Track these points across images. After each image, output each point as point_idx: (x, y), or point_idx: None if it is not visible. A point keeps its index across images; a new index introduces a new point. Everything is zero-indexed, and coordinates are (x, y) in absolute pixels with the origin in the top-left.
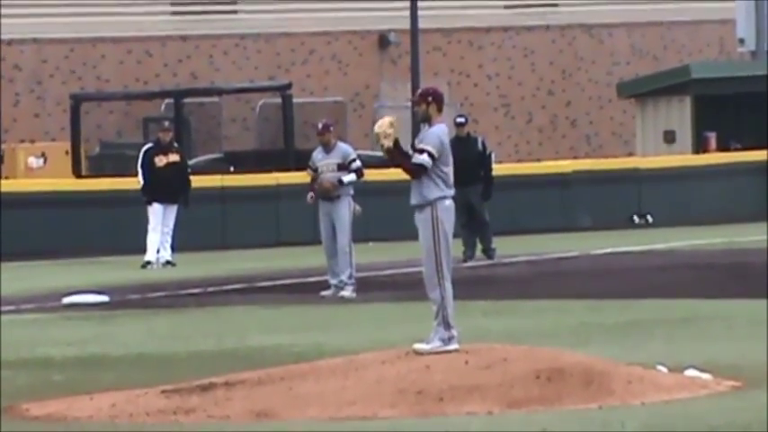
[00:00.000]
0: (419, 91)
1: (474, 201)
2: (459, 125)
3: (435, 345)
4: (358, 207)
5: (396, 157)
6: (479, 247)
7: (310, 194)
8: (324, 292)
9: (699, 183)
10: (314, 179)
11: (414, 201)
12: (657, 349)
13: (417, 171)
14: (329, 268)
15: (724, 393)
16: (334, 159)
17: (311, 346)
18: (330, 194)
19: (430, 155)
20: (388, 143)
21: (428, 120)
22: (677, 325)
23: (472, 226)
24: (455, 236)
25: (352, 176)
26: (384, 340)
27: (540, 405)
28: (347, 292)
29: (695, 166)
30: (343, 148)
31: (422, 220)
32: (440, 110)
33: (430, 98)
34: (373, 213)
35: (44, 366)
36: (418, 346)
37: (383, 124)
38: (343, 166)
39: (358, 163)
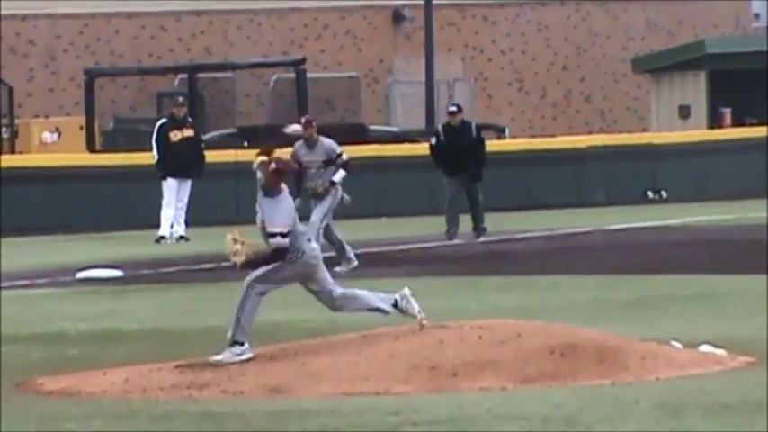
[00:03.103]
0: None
1: (466, 183)
2: (451, 114)
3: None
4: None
5: (256, 264)
6: (471, 225)
7: (297, 200)
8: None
9: (713, 158)
10: (299, 175)
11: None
12: (671, 325)
13: (282, 255)
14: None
15: (738, 369)
16: (318, 156)
17: (324, 321)
18: (323, 198)
19: (282, 235)
20: (241, 259)
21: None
22: (691, 300)
23: (457, 205)
24: (439, 213)
25: (341, 173)
26: (397, 316)
27: (554, 381)
28: (340, 267)
29: (710, 141)
30: (326, 144)
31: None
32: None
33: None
34: (386, 188)
35: (58, 341)
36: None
37: (228, 243)
38: (330, 162)
39: (345, 156)
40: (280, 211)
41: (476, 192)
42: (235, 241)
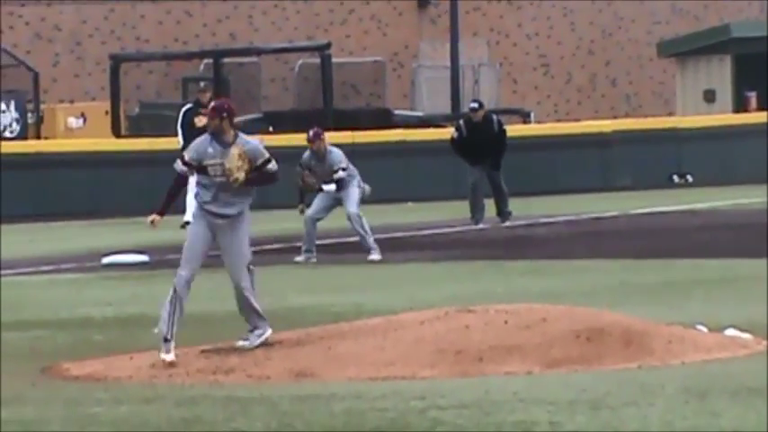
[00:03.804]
0: (213, 105)
1: (488, 172)
2: (473, 110)
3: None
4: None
5: (252, 181)
6: (495, 210)
7: (301, 207)
8: (298, 258)
9: (739, 142)
10: (305, 181)
11: (233, 210)
12: (697, 309)
13: (275, 177)
14: (307, 236)
15: (764, 353)
16: (326, 168)
17: (350, 306)
18: (314, 189)
19: (276, 160)
20: (242, 176)
21: (222, 132)
22: (717, 285)
23: (480, 190)
24: (465, 198)
25: (331, 187)
26: (423, 300)
27: (580, 365)
28: (374, 256)
29: (735, 125)
30: (334, 154)
31: (234, 227)
32: (231, 124)
33: (224, 114)
34: (412, 173)
35: (84, 326)
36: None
37: (232, 158)
38: (329, 173)
39: (341, 174)
40: (258, 142)
41: (498, 177)
42: (240, 157)
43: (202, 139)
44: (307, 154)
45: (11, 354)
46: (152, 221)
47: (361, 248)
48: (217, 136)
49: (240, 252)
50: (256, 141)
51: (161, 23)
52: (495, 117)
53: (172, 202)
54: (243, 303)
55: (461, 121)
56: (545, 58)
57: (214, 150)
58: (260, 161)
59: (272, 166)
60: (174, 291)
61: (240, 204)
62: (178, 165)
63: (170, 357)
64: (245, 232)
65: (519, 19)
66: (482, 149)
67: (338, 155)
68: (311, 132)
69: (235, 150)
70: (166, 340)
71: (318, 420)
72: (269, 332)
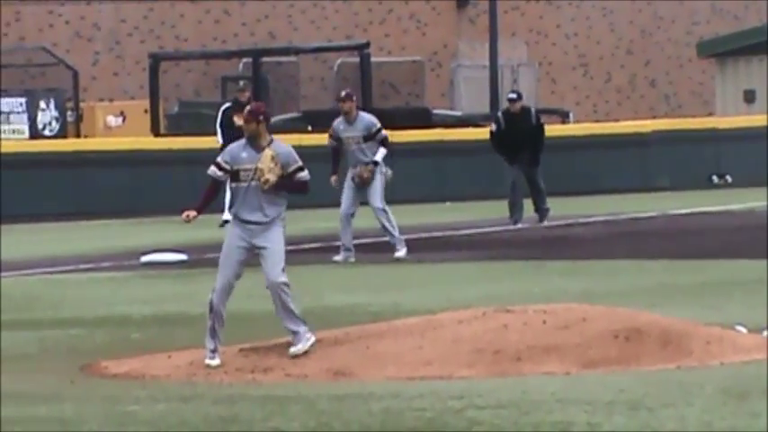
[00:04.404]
0: (248, 108)
1: (526, 168)
2: (511, 101)
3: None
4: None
5: (282, 186)
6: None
7: (334, 177)
8: (336, 257)
9: None
10: (336, 151)
11: (270, 215)
12: (736, 310)
13: (306, 187)
14: (343, 234)
15: None
16: (357, 132)
17: (388, 305)
18: (369, 184)
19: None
20: (273, 178)
21: (257, 136)
22: (756, 285)
23: (518, 189)
24: (503, 198)
25: (382, 152)
26: (461, 300)
27: (618, 365)
28: (400, 253)
29: None
30: (366, 118)
31: (270, 230)
32: (267, 128)
33: (261, 117)
34: (450, 172)
35: (122, 324)
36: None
37: (265, 158)
38: (369, 137)
39: (383, 133)
40: (291, 149)
41: (536, 176)
42: (272, 159)
43: (237, 144)
44: (337, 121)
45: (49, 352)
46: (187, 216)
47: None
48: (252, 140)
49: (274, 256)
50: (290, 148)
51: (200, 22)
52: (533, 110)
53: (208, 204)
54: (280, 307)
55: (500, 113)
56: (584, 58)
57: (248, 155)
58: (292, 167)
59: (305, 175)
60: (210, 308)
61: (272, 209)
62: (213, 170)
63: (215, 362)
64: (279, 236)
65: (558, 19)
66: (519, 143)
67: (370, 117)
68: (343, 93)
69: (268, 152)
70: (213, 351)
71: (356, 420)
72: (311, 338)
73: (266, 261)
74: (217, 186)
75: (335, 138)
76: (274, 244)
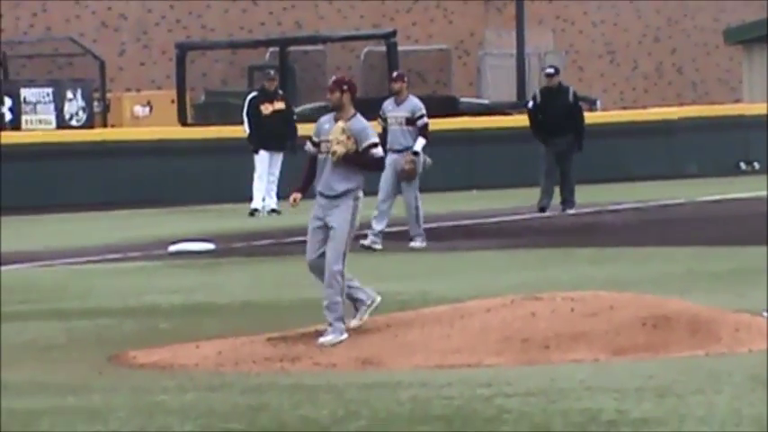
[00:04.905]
0: (333, 78)
1: (563, 152)
2: (549, 75)
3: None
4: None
5: (352, 160)
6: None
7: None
8: (367, 242)
9: None
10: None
11: (337, 189)
12: (764, 297)
13: (380, 164)
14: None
15: None
16: (402, 113)
17: (416, 293)
18: (414, 176)
19: (378, 144)
20: (342, 150)
21: (341, 107)
22: None
23: (554, 176)
24: (535, 184)
25: (421, 142)
26: (489, 288)
27: (647, 352)
28: (417, 243)
29: None
30: (414, 101)
31: (339, 207)
32: (353, 100)
33: (345, 86)
34: (477, 161)
35: (150, 314)
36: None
37: (335, 130)
38: (411, 121)
39: (425, 120)
40: (369, 126)
41: (569, 165)
42: (343, 131)
43: (327, 116)
44: (386, 102)
45: (78, 342)
46: (294, 199)
47: (429, 237)
48: (336, 111)
49: (336, 239)
50: (367, 123)
51: (227, 12)
52: (571, 88)
53: (310, 183)
54: (330, 289)
55: (537, 89)
56: (611, 46)
57: (330, 127)
58: (365, 144)
59: (378, 151)
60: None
61: (340, 184)
62: (308, 146)
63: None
64: (347, 216)
65: (585, 7)
66: (555, 121)
67: (418, 102)
68: (395, 73)
69: (340, 124)
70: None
71: (384, 408)
72: (344, 335)
73: (329, 244)
74: (314, 163)
75: (383, 118)
76: (340, 225)
